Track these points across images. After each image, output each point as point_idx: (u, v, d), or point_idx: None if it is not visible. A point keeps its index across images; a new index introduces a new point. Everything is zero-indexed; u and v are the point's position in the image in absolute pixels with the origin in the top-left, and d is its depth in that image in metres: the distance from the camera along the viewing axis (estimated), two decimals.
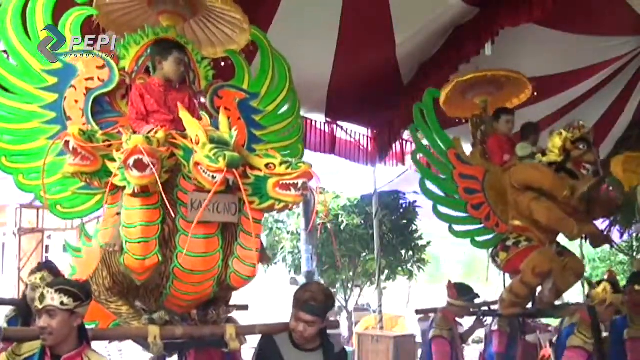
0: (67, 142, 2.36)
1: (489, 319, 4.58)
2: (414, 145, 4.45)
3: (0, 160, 2.67)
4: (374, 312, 8.60)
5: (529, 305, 4.31)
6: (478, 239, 4.34)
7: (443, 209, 4.30)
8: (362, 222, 9.50)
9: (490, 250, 4.33)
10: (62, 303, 2.12)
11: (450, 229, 4.31)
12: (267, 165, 2.47)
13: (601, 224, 7.34)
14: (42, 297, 2.12)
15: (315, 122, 6.10)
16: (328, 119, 6.18)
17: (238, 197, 2.54)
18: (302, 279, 8.22)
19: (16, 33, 2.71)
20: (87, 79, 2.78)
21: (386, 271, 9.95)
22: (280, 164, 2.45)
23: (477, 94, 4.62)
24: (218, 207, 2.49)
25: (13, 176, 2.69)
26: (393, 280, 10.94)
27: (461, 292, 4.12)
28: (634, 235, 8.13)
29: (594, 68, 5.82)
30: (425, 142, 4.37)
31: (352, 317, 10.40)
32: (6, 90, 2.72)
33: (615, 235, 7.62)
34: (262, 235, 9.81)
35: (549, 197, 3.91)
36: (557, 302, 4.21)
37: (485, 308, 4.54)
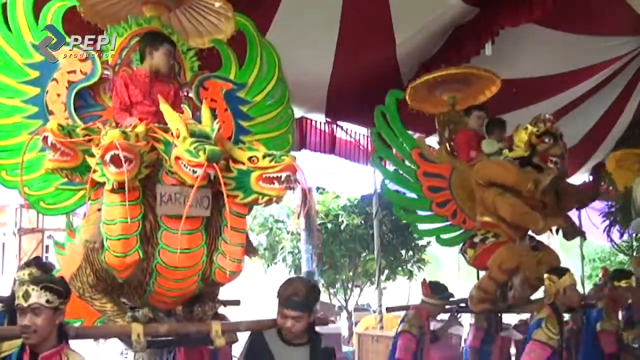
0: (45, 138, 2.32)
1: (463, 316, 4.59)
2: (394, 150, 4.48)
3: None
4: (374, 312, 8.59)
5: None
6: (443, 236, 4.40)
7: (406, 209, 4.37)
8: (362, 222, 9.50)
9: (460, 246, 4.38)
10: (47, 301, 2.09)
11: (414, 228, 4.42)
12: (250, 159, 2.41)
13: (601, 223, 7.37)
14: (26, 295, 2.08)
15: (315, 122, 6.09)
16: (328, 119, 6.18)
17: (210, 190, 2.48)
18: None
19: None
20: (69, 72, 2.74)
21: (386, 271, 9.95)
22: (264, 156, 2.39)
23: (445, 91, 4.62)
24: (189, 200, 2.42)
25: None
26: (393, 280, 10.94)
27: (435, 290, 4.08)
28: (634, 235, 8.12)
29: (594, 68, 5.81)
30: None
31: (352, 317, 10.39)
32: None
33: (615, 235, 7.62)
34: (262, 235, 9.82)
35: (514, 193, 3.94)
36: (533, 297, 4.22)
37: (462, 305, 4.55)
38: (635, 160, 4.48)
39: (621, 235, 7.97)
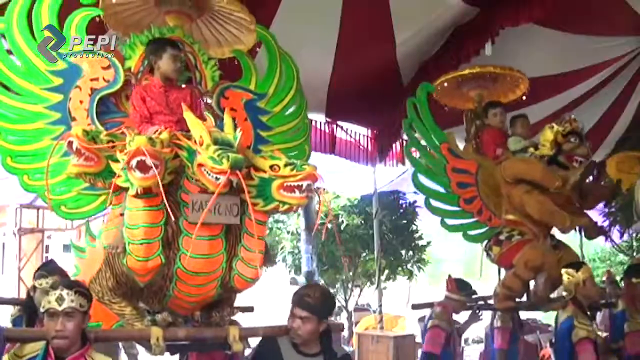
0: (70, 143, 2.36)
1: (484, 314, 4.59)
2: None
3: (5, 160, 2.67)
4: (374, 312, 8.59)
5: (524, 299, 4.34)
6: (470, 232, 4.38)
7: (436, 203, 4.33)
8: (362, 222, 9.50)
9: (484, 244, 4.38)
10: (80, 305, 2.13)
11: (442, 223, 4.35)
12: (271, 167, 2.46)
13: (601, 223, 7.36)
14: (60, 299, 2.10)
15: (315, 122, 6.09)
16: (328, 119, 6.18)
17: (240, 198, 2.53)
18: (302, 279, 8.22)
19: (22, 33, 2.71)
20: (92, 80, 2.78)
21: (386, 271, 9.94)
22: (285, 165, 2.45)
23: (472, 88, 4.64)
24: (219, 209, 2.48)
25: (18, 177, 2.70)
26: (393, 280, 10.93)
27: (460, 287, 4.14)
28: (634, 235, 8.12)
29: (594, 68, 5.82)
30: (418, 136, 4.39)
31: (352, 317, 10.39)
32: (11, 90, 2.72)
33: (615, 235, 7.62)
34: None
35: (541, 190, 3.95)
36: (552, 295, 4.22)
37: (481, 302, 4.54)
38: (636, 162, 4.48)
39: (621, 235, 7.98)
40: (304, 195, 2.44)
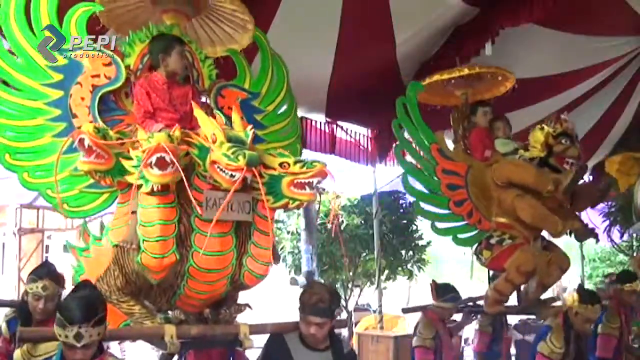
0: (81, 140, 2.36)
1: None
2: (414, 145, 4.41)
3: (4, 157, 2.65)
4: (374, 312, 8.59)
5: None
6: (460, 236, 4.31)
7: (426, 206, 4.28)
8: (362, 222, 9.49)
9: (474, 247, 4.31)
10: (98, 334, 2.06)
11: (433, 226, 4.29)
12: (281, 164, 2.49)
13: (601, 223, 7.37)
14: (79, 337, 2.00)
15: (315, 122, 6.09)
16: (328, 119, 6.18)
17: (251, 195, 2.55)
18: (302, 279, 8.21)
19: (20, 29, 2.69)
20: (93, 76, 2.77)
21: (386, 271, 9.93)
22: (295, 162, 2.49)
23: (458, 86, 4.58)
24: (232, 206, 2.51)
25: (17, 174, 2.67)
26: (393, 280, 10.92)
27: (440, 293, 4.00)
28: (634, 235, 8.13)
29: (594, 68, 5.81)
30: (407, 136, 4.34)
31: (352, 317, 10.39)
32: (10, 86, 2.70)
33: (615, 235, 7.62)
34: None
35: (533, 193, 3.90)
36: (542, 297, 4.22)
37: (470, 304, 4.53)
38: (633, 164, 4.46)
39: (621, 235, 7.98)
40: (313, 192, 2.48)
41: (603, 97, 6.49)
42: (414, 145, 4.36)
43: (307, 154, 5.93)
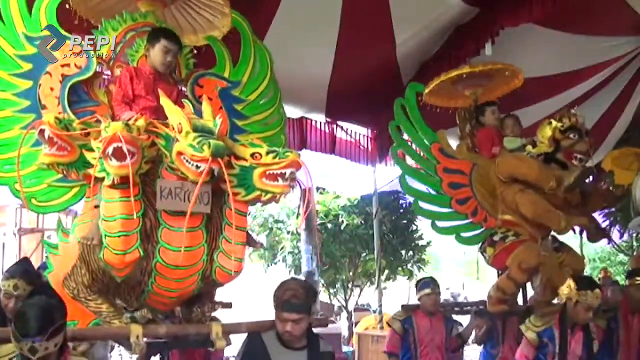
0: (42, 131, 2.27)
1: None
2: (413, 145, 4.39)
3: None
4: (374, 312, 8.59)
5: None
6: (463, 234, 4.25)
7: (425, 205, 4.23)
8: (362, 222, 9.49)
9: (479, 245, 4.26)
10: (55, 345, 1.95)
11: (433, 225, 4.24)
12: (252, 155, 2.36)
13: (601, 223, 7.36)
14: (33, 350, 1.89)
15: (315, 122, 6.10)
16: (328, 119, 6.18)
17: (218, 187, 2.43)
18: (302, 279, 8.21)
19: None
20: (63, 66, 2.68)
21: (386, 271, 9.94)
22: (267, 153, 2.36)
23: (467, 86, 4.51)
24: (189, 196, 2.35)
25: None
26: (393, 280, 10.93)
27: (417, 287, 4.23)
28: (634, 235, 8.11)
29: (594, 68, 5.81)
30: (406, 137, 4.31)
31: (352, 317, 10.39)
32: None
33: (615, 235, 7.61)
34: (262, 236, 9.72)
35: (536, 189, 3.82)
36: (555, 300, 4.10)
37: (467, 307, 4.54)
38: (633, 159, 4.40)
39: (621, 235, 7.97)
40: (287, 184, 2.35)
41: (603, 97, 6.48)
42: (412, 145, 4.34)
43: (308, 154, 5.94)
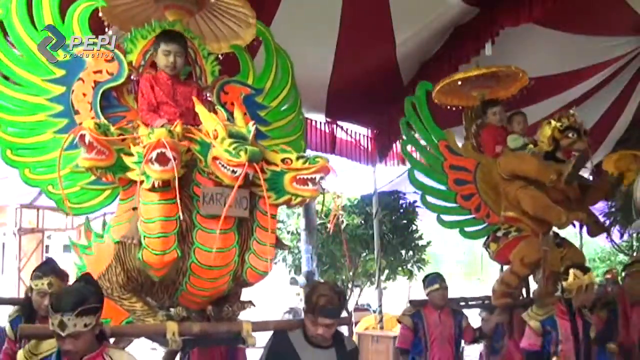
0: (82, 136, 2.34)
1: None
2: (421, 141, 4.50)
3: (5, 153, 2.63)
4: (374, 312, 8.59)
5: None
6: (467, 229, 4.42)
7: (432, 199, 4.37)
8: (362, 222, 9.48)
9: (484, 241, 4.41)
10: (85, 325, 1.99)
11: (439, 219, 4.38)
12: (283, 160, 2.47)
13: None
14: (62, 325, 1.95)
15: (315, 122, 6.10)
16: (328, 119, 6.19)
17: (250, 191, 2.53)
18: (302, 279, 8.21)
19: (22, 24, 2.67)
20: (95, 72, 2.75)
21: (386, 271, 9.93)
22: (297, 158, 2.46)
23: (475, 87, 4.63)
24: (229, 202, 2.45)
25: (19, 170, 2.66)
26: (393, 280, 10.92)
27: (424, 283, 4.24)
28: (634, 235, 8.12)
29: (594, 68, 5.82)
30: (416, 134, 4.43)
31: (352, 317, 10.39)
32: (11, 81, 2.68)
33: (615, 235, 7.61)
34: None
35: (537, 185, 3.95)
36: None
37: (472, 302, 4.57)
38: (632, 160, 4.46)
39: (621, 235, 7.98)
40: (316, 188, 2.46)
41: (603, 97, 6.49)
42: (421, 141, 4.45)
43: (308, 154, 5.94)
